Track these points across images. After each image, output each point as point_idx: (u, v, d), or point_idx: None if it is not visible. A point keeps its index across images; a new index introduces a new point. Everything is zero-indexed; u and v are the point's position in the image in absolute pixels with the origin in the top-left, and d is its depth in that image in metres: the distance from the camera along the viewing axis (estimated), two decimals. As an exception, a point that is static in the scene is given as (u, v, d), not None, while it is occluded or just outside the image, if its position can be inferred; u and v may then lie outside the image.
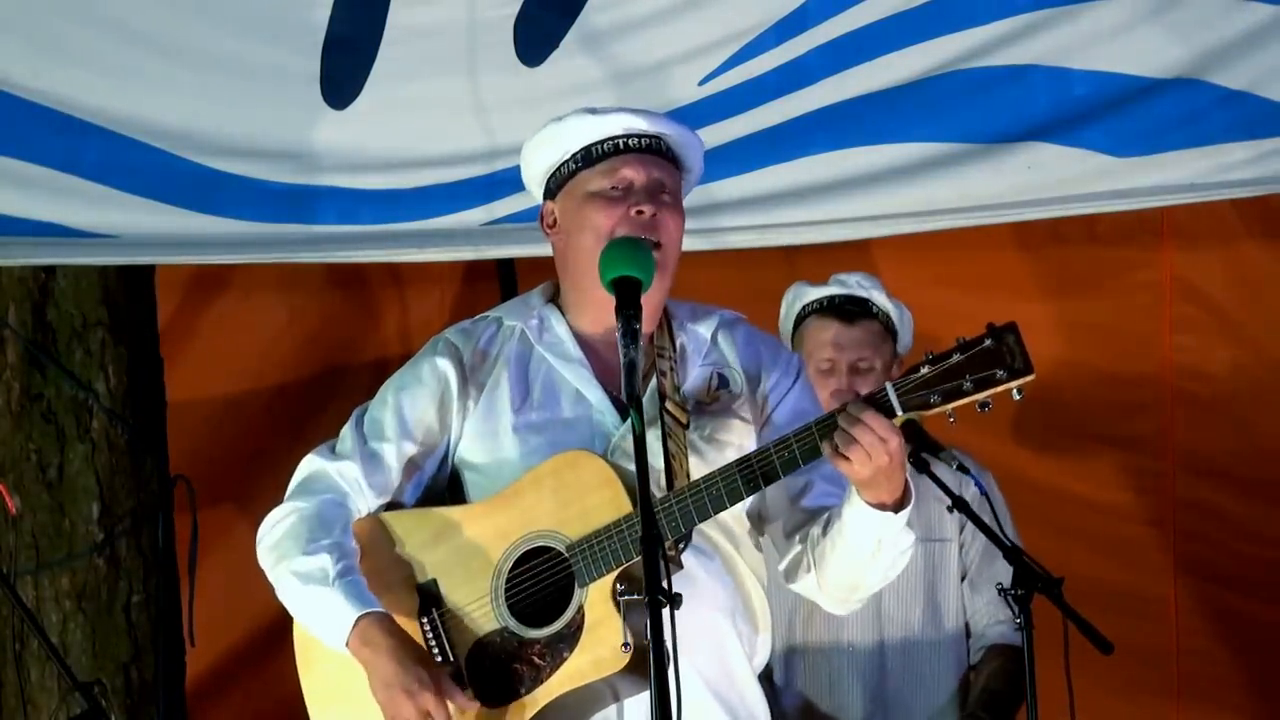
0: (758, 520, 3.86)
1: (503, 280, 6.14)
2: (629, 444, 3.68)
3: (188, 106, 5.22)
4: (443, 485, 3.89)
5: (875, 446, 3.48)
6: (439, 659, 3.70)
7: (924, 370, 3.49)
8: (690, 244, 5.18)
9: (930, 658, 5.02)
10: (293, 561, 3.74)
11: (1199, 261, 5.91)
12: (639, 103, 5.05)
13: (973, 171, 5.08)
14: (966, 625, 5.11)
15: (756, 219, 5.18)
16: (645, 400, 3.74)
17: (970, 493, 4.84)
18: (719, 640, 3.75)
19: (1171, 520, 5.99)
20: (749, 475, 3.58)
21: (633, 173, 3.79)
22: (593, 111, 3.84)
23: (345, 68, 5.20)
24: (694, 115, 5.05)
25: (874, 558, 3.67)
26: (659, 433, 3.72)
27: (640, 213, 3.75)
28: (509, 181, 5.14)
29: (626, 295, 3.58)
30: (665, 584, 3.26)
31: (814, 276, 5.24)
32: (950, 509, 4.66)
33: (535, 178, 3.93)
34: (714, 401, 3.83)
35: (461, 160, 5.22)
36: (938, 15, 5.05)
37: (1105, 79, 5.03)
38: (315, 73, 5.20)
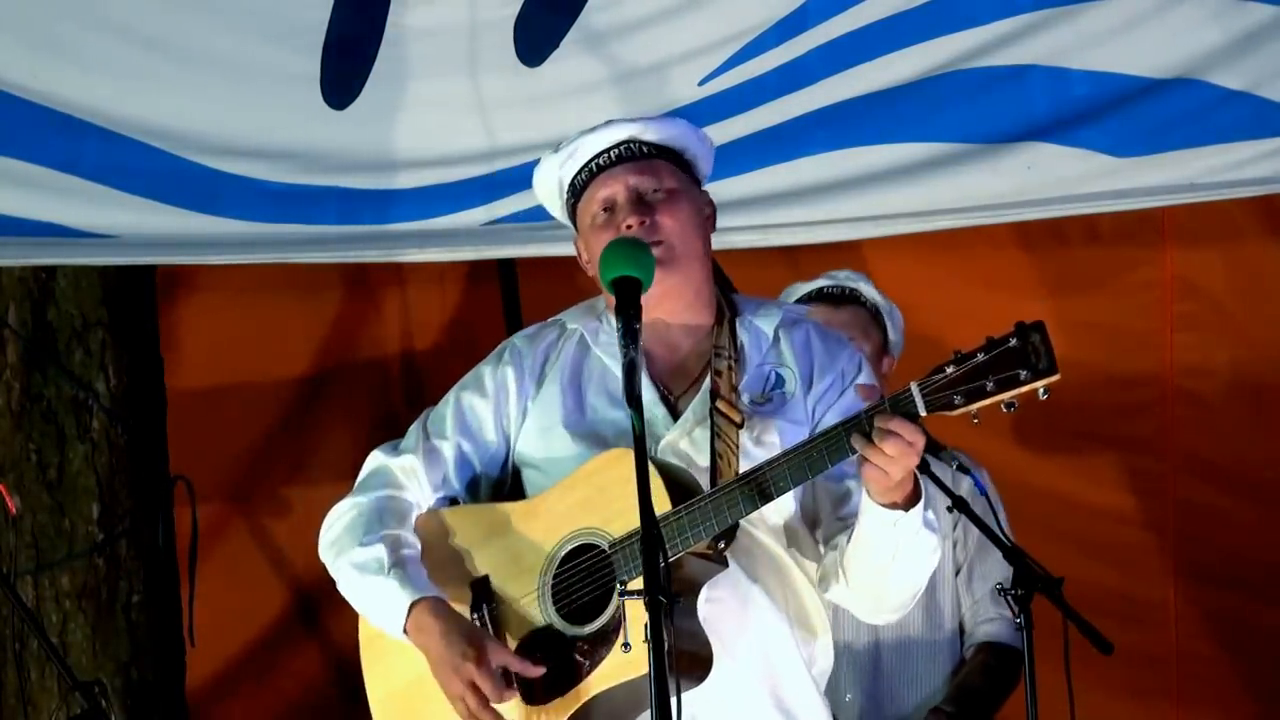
0: (812, 525, 3.85)
1: (503, 280, 6.14)
2: (683, 444, 3.76)
3: (188, 106, 5.22)
4: (505, 484, 3.92)
5: (905, 453, 3.48)
6: None
7: (949, 370, 3.47)
8: (690, 244, 5.20)
9: (925, 657, 5.02)
10: (350, 554, 3.78)
11: (1200, 260, 5.91)
12: (639, 103, 5.07)
13: (973, 171, 5.08)
14: (961, 624, 5.11)
15: (756, 219, 5.18)
16: (699, 399, 3.78)
17: (969, 492, 4.84)
18: (769, 645, 3.75)
19: (1171, 522, 5.98)
20: (779, 474, 3.57)
21: (610, 190, 3.83)
22: (555, 149, 3.91)
23: (345, 68, 5.20)
24: (694, 115, 5.03)
25: (894, 562, 3.65)
26: (707, 432, 3.73)
27: (629, 228, 3.77)
28: (509, 181, 5.15)
29: (626, 295, 3.58)
30: (665, 585, 3.25)
31: (814, 277, 5.24)
32: (950, 509, 4.65)
33: (561, 219, 4.00)
34: (767, 402, 3.83)
35: (462, 160, 5.22)
36: (938, 15, 5.06)
37: (1105, 79, 5.03)
38: (315, 73, 5.20)
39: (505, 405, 3.90)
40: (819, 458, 3.54)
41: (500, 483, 3.93)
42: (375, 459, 3.93)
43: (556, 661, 3.67)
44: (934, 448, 4.95)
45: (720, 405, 3.74)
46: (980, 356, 3.47)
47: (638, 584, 3.53)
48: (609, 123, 3.88)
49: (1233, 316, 5.94)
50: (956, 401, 3.47)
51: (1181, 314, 5.95)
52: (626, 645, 3.56)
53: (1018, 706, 4.55)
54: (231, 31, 5.20)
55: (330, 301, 6.29)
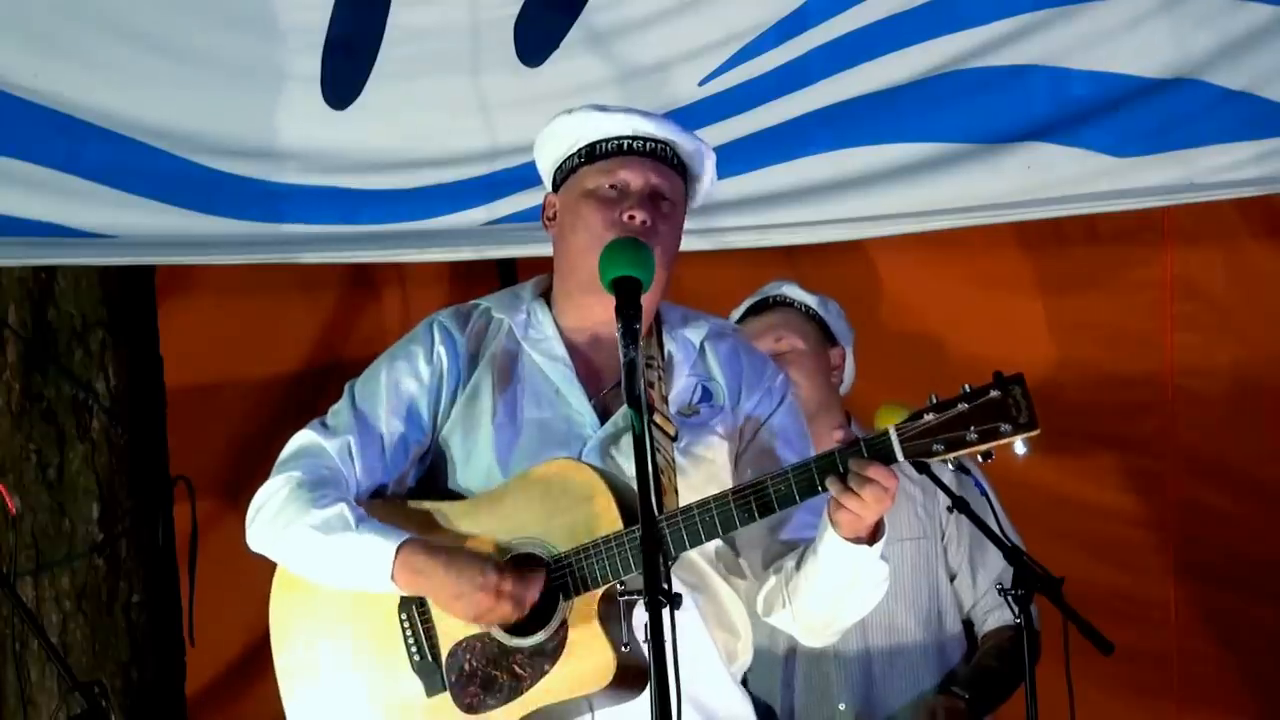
0: (731, 544, 3.82)
1: (503, 280, 6.13)
2: (611, 449, 3.72)
3: (188, 106, 5.21)
4: (423, 470, 3.86)
5: (880, 499, 3.47)
6: (417, 657, 3.68)
7: (928, 417, 3.46)
8: (690, 244, 5.19)
9: (917, 659, 5.02)
10: (308, 517, 3.68)
11: (1200, 260, 5.92)
12: (639, 103, 5.05)
13: (973, 171, 5.08)
14: (966, 623, 5.10)
15: (756, 219, 5.17)
16: (626, 405, 3.72)
17: (971, 494, 4.84)
18: (693, 648, 3.66)
19: (1171, 521, 5.99)
20: (744, 505, 3.54)
21: (631, 175, 3.77)
22: (602, 109, 3.83)
23: (345, 68, 5.19)
24: (694, 115, 5.05)
25: (850, 591, 3.65)
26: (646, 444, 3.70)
27: (632, 218, 3.73)
28: (510, 181, 5.15)
29: (626, 295, 3.57)
30: (666, 585, 3.24)
31: (814, 276, 5.26)
32: (950, 509, 4.65)
33: (545, 169, 3.93)
34: (693, 414, 3.80)
35: (462, 160, 5.22)
36: (938, 15, 5.05)
37: (1105, 79, 5.03)
38: (315, 73, 5.20)
39: (438, 390, 3.83)
40: (787, 493, 3.52)
41: (422, 470, 3.86)
42: (305, 436, 3.83)
43: (488, 671, 3.63)
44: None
45: (656, 418, 3.70)
46: (961, 406, 3.46)
47: (588, 598, 3.56)
48: (657, 117, 3.85)
49: (1233, 317, 5.94)
50: (935, 449, 3.47)
51: (1181, 314, 5.96)
52: (627, 645, 3.54)
53: (1018, 706, 4.56)
54: (232, 31, 5.19)
55: (330, 301, 6.30)
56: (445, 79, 5.19)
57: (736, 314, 5.16)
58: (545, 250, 5.17)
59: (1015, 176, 5.07)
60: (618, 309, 3.56)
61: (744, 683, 3.92)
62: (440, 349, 3.85)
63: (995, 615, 5.06)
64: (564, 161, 3.86)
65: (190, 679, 5.85)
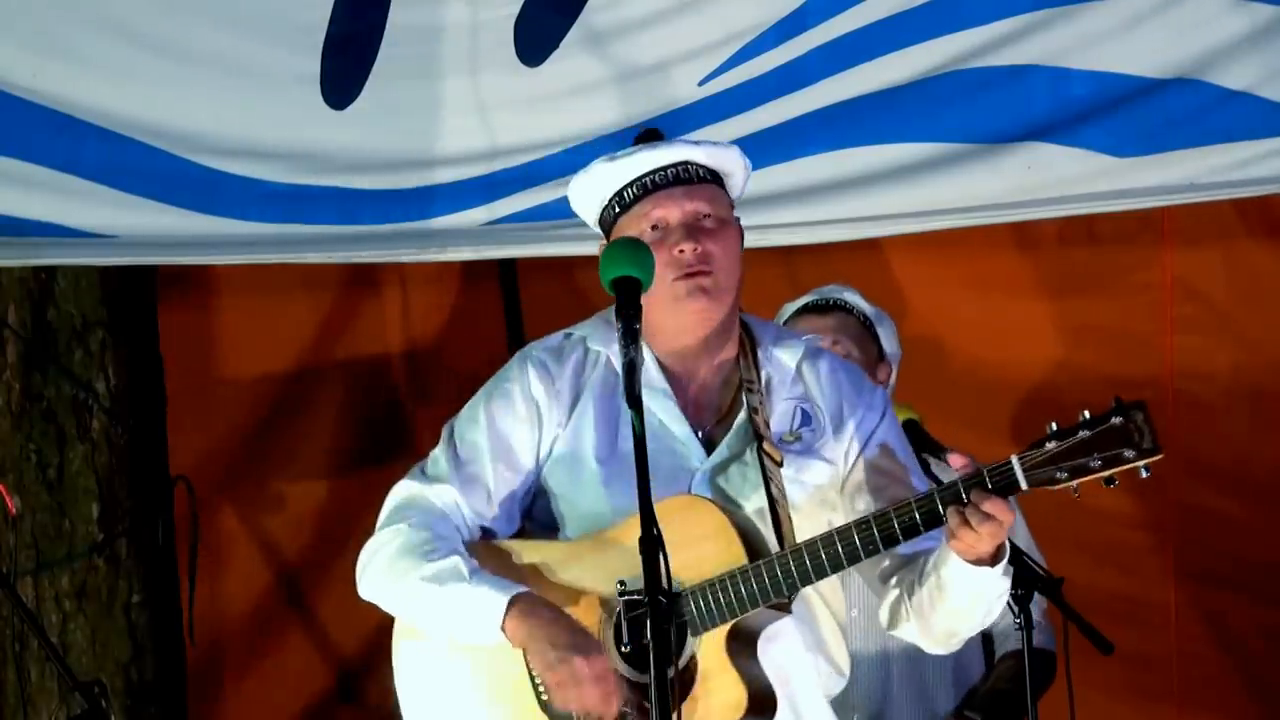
0: None
1: (503, 280, 6.15)
2: (719, 480, 3.69)
3: (188, 106, 5.21)
4: (529, 510, 3.82)
5: (995, 534, 3.48)
6: (545, 698, 3.62)
7: (1050, 445, 3.47)
8: (690, 244, 5.19)
9: (932, 668, 5.00)
10: (420, 569, 3.64)
11: (1200, 262, 5.91)
12: (640, 103, 5.07)
13: (973, 171, 5.07)
14: (986, 634, 5.08)
15: (755, 219, 5.12)
16: (733, 434, 3.72)
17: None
18: (792, 679, 3.70)
19: (1171, 523, 5.98)
20: (868, 537, 3.53)
21: (665, 211, 3.72)
22: (611, 159, 3.78)
23: (345, 68, 5.19)
24: (694, 115, 5.06)
25: (974, 606, 3.64)
26: (758, 472, 3.67)
27: (682, 252, 3.68)
28: (509, 181, 5.15)
29: (627, 295, 3.54)
30: (665, 585, 3.23)
31: (813, 277, 5.24)
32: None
33: (594, 225, 3.88)
34: (796, 440, 3.76)
35: (462, 160, 5.21)
36: (938, 15, 5.05)
37: (1105, 79, 5.03)
38: (315, 73, 5.19)
39: (540, 429, 3.76)
40: (911, 525, 3.52)
41: (526, 511, 3.81)
42: (407, 488, 3.78)
43: (622, 709, 3.57)
44: (935, 449, 4.95)
45: (764, 446, 3.68)
46: (1083, 433, 3.47)
47: (717, 634, 3.54)
48: (666, 142, 3.81)
49: (1232, 319, 5.94)
50: (1060, 477, 3.48)
51: (1181, 316, 5.95)
52: (627, 645, 3.54)
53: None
54: (231, 31, 5.20)
55: (330, 301, 6.29)
56: (445, 79, 5.19)
57: (790, 309, 5.11)
58: (545, 250, 5.20)
59: (1015, 176, 5.06)
60: (618, 309, 3.52)
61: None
62: (538, 386, 3.79)
63: (1016, 636, 5.03)
64: (602, 215, 3.82)
65: (190, 679, 5.85)
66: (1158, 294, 5.95)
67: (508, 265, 6.05)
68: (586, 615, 3.64)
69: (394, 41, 5.18)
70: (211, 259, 5.41)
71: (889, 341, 5.10)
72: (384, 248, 5.32)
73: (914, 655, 4.94)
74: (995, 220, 5.22)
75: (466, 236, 5.27)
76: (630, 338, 3.46)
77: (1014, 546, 4.44)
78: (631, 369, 3.42)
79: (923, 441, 4.90)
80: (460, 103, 5.19)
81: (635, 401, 3.37)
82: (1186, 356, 5.95)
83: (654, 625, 3.22)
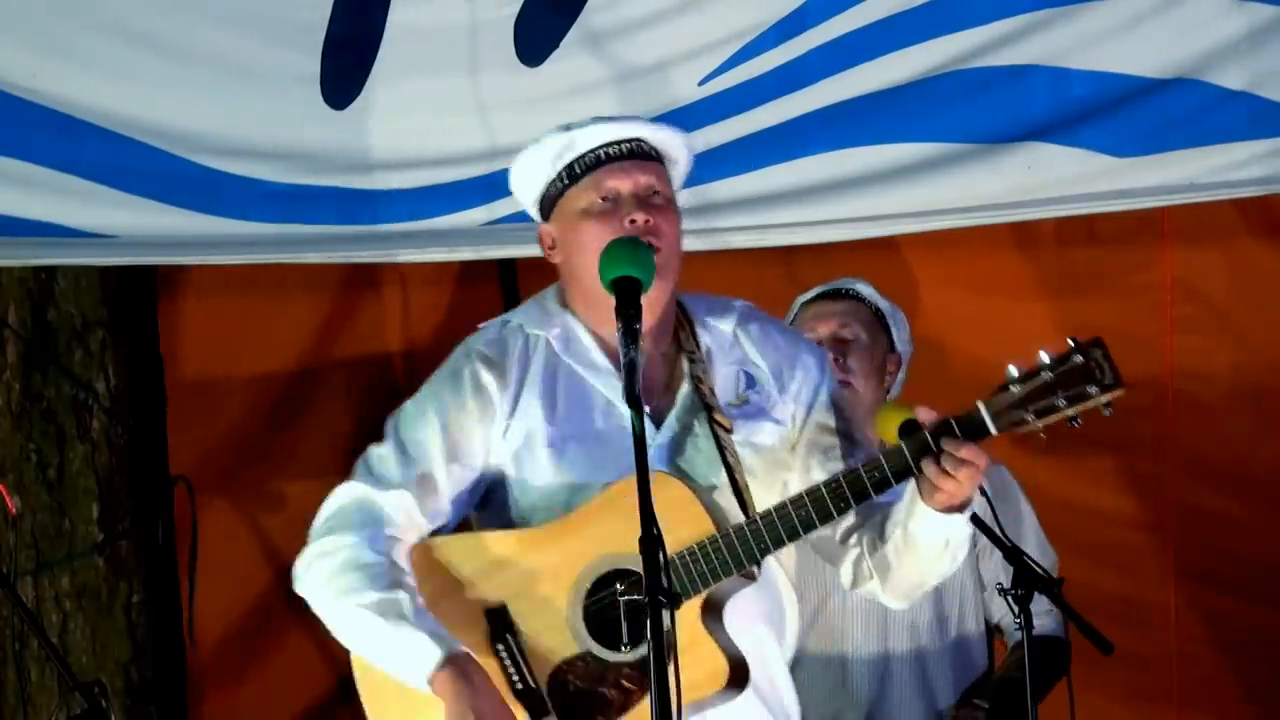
0: None
1: (503, 280, 6.14)
2: (670, 455, 3.72)
3: (188, 106, 5.21)
4: (482, 501, 3.84)
5: (974, 478, 3.52)
6: (519, 686, 3.66)
7: (1014, 389, 3.50)
8: (690, 244, 5.18)
9: (934, 664, 5.00)
10: (362, 596, 3.65)
11: (1200, 262, 5.91)
12: (640, 103, 5.07)
13: (973, 171, 5.08)
14: (994, 629, 5.08)
15: (756, 219, 5.18)
16: (680, 406, 3.74)
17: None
18: (762, 645, 3.75)
19: (1171, 524, 5.98)
20: (838, 495, 3.57)
21: (617, 182, 3.76)
22: (566, 128, 3.82)
23: (345, 68, 5.20)
24: (694, 115, 5.06)
25: (940, 557, 3.67)
26: (712, 444, 3.70)
27: (634, 222, 3.72)
28: (509, 181, 5.15)
29: (626, 295, 3.57)
30: (666, 585, 3.23)
31: (813, 277, 5.25)
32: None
33: (529, 201, 3.91)
34: (743, 404, 3.79)
35: (461, 160, 5.22)
36: (938, 15, 5.06)
37: (1105, 79, 5.04)
38: (315, 73, 5.20)
39: (490, 422, 3.79)
40: (883, 479, 3.55)
41: (481, 502, 3.84)
42: (355, 490, 3.78)
43: (595, 689, 3.62)
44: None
45: (716, 416, 3.71)
46: (1045, 375, 3.50)
47: (692, 605, 3.56)
48: (621, 117, 3.84)
49: (1232, 319, 5.94)
50: (1028, 419, 3.51)
51: (1181, 317, 5.95)
52: (626, 645, 3.56)
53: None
54: (231, 31, 5.20)
55: (330, 301, 6.29)
56: (445, 79, 5.19)
57: (805, 298, 5.12)
58: (545, 250, 5.19)
59: (1015, 176, 5.07)
60: (618, 309, 3.56)
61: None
62: (485, 378, 3.81)
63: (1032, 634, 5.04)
64: (546, 190, 3.84)
65: (190, 679, 5.85)
66: (1158, 294, 5.95)
67: (508, 265, 6.05)
68: (554, 600, 3.66)
69: (394, 41, 5.18)
70: (211, 259, 5.41)
71: (900, 338, 5.11)
72: (384, 248, 5.33)
73: (915, 650, 4.96)
74: (995, 220, 5.22)
75: (466, 236, 5.27)
76: (630, 337, 3.49)
77: (1014, 546, 4.48)
78: (632, 368, 3.45)
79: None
80: (460, 103, 5.19)
81: (635, 402, 3.39)
82: (1186, 356, 5.95)
83: (654, 625, 3.21)
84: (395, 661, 3.66)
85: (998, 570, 4.99)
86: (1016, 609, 4.39)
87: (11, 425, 5.66)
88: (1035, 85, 5.05)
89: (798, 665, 4.97)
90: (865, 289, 5.10)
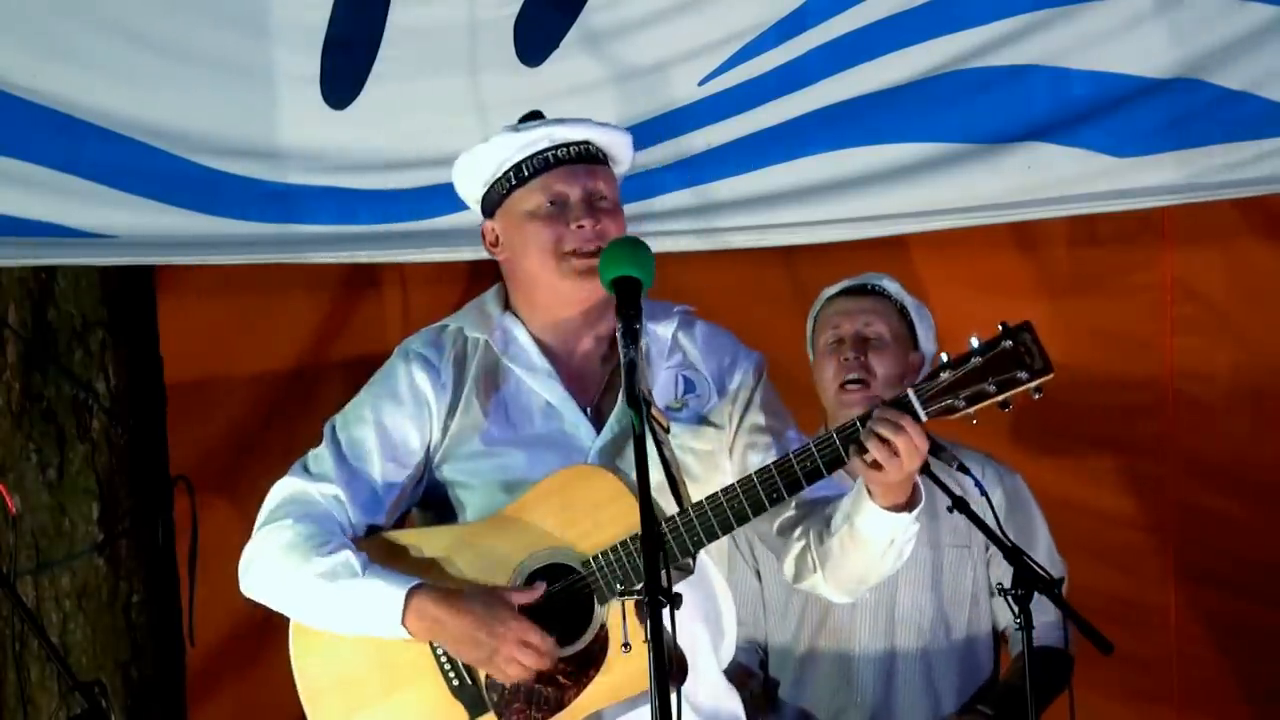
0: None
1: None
2: (609, 455, 3.72)
3: (188, 106, 5.22)
4: (416, 503, 3.85)
5: (911, 452, 3.50)
6: (456, 682, 3.67)
7: (944, 375, 3.52)
8: (690, 244, 5.21)
9: (939, 666, 4.99)
10: (311, 564, 3.68)
11: (1200, 263, 5.91)
12: (640, 103, 5.08)
13: (973, 171, 5.08)
14: (1001, 633, 5.07)
15: (756, 219, 5.17)
16: (620, 406, 3.74)
17: (971, 493, 4.82)
18: (695, 648, 3.71)
19: (1171, 525, 5.98)
20: (770, 486, 3.57)
21: (565, 186, 3.79)
22: (515, 129, 3.84)
23: (345, 68, 5.20)
24: (694, 115, 5.07)
25: (885, 554, 3.67)
26: (651, 443, 3.67)
27: (581, 227, 3.74)
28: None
29: (627, 295, 3.57)
30: (667, 584, 3.24)
31: (813, 277, 5.24)
32: (950, 509, 4.63)
33: (472, 198, 3.92)
34: (682, 408, 3.80)
35: (462, 160, 5.22)
36: (938, 15, 5.06)
37: (1105, 79, 5.03)
38: (315, 73, 5.20)
39: (427, 421, 3.80)
40: (814, 468, 3.56)
41: (423, 504, 3.84)
42: (289, 485, 3.81)
43: (531, 686, 3.62)
44: (935, 448, 4.92)
45: (652, 411, 3.68)
46: (975, 360, 3.52)
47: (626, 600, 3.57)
48: (571, 120, 3.86)
49: (1233, 319, 5.93)
50: (958, 405, 3.52)
51: (1181, 317, 5.95)
52: (626, 645, 3.56)
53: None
54: (231, 31, 5.20)
55: (330, 301, 6.29)
56: (445, 79, 5.19)
57: (830, 292, 5.11)
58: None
59: (1015, 176, 5.07)
60: (618, 309, 3.56)
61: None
62: (422, 378, 3.84)
63: (1036, 636, 5.02)
64: (491, 188, 3.86)
65: (190, 679, 5.85)
66: (1158, 294, 5.95)
67: (508, 265, 6.04)
68: None
69: (393, 41, 5.19)
70: (211, 259, 5.41)
71: (925, 337, 5.09)
72: (384, 248, 5.33)
73: (920, 654, 4.96)
74: (995, 220, 5.22)
75: (466, 236, 5.26)
76: (630, 338, 3.49)
77: (1014, 546, 4.47)
78: (632, 369, 3.46)
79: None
80: (460, 103, 5.19)
81: (635, 402, 3.40)
82: (1186, 356, 5.95)
83: (653, 625, 3.21)
84: (361, 620, 3.67)
85: (1005, 575, 5.00)
86: (1016, 609, 4.38)
87: (11, 425, 5.66)
88: (1035, 85, 5.05)
89: (807, 663, 5.00)
90: (891, 285, 5.08)
